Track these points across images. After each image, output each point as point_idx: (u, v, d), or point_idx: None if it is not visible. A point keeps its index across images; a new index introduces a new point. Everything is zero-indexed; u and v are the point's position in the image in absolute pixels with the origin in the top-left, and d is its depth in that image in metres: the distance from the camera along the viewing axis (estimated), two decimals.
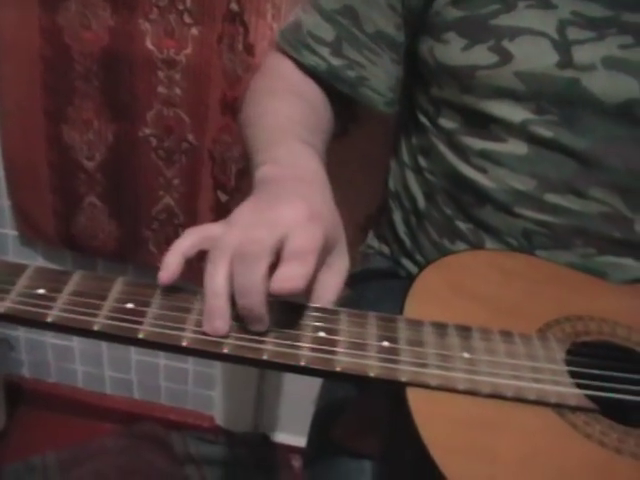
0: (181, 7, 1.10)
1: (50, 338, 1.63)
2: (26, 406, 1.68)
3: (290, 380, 1.56)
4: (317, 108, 0.80)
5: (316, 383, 1.35)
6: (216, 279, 0.52)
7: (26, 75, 1.19)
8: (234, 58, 1.08)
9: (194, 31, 1.11)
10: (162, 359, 1.61)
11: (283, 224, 0.53)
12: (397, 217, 0.92)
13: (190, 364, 1.61)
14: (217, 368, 1.58)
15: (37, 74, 1.18)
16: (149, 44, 1.13)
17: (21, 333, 1.64)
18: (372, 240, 1.01)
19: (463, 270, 0.69)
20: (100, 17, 1.12)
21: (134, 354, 1.61)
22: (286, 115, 0.74)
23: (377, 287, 0.92)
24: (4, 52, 1.17)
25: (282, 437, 1.67)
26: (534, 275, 0.70)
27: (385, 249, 0.96)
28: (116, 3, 1.11)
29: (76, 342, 1.63)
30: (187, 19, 1.11)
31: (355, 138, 1.13)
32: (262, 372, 1.54)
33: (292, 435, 1.63)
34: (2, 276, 0.56)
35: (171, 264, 0.55)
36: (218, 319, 0.52)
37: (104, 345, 1.61)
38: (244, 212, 0.56)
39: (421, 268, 0.67)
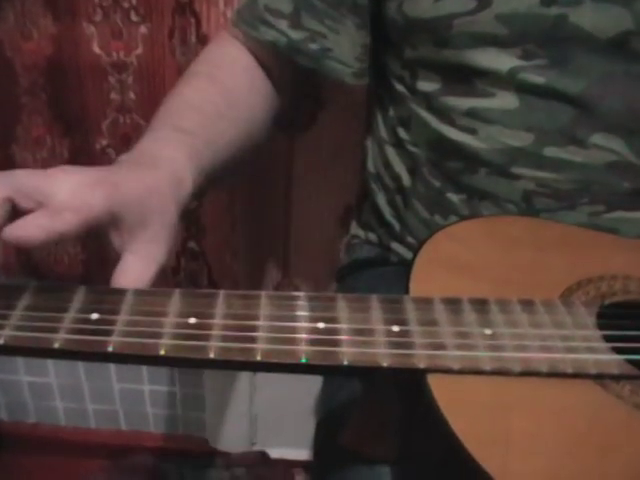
0: (126, 5, 1.03)
1: (25, 376, 1.56)
2: (6, 451, 1.60)
3: (283, 389, 1.50)
4: (232, 93, 0.75)
5: (312, 390, 1.30)
6: None
7: None
8: (188, 52, 1.02)
9: (143, 29, 1.04)
10: (147, 385, 1.54)
11: (56, 180, 0.51)
12: (381, 200, 0.86)
13: (177, 387, 1.54)
14: (206, 388, 1.52)
15: None
16: (96, 48, 1.06)
17: None
18: (356, 229, 0.95)
19: (464, 243, 0.63)
20: (41, 25, 1.05)
21: (116, 383, 1.54)
22: (185, 99, 0.72)
23: (367, 276, 0.86)
24: None
25: (281, 452, 1.61)
26: (541, 239, 0.65)
27: (372, 236, 0.90)
28: (57, 9, 1.04)
29: (54, 377, 1.55)
30: (134, 17, 1.04)
31: (324, 126, 1.08)
32: (253, 384, 1.48)
33: (291, 449, 1.57)
34: None
35: None
36: None
37: (83, 377, 1.54)
38: None
39: (419, 247, 0.60)
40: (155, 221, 0.55)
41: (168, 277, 1.22)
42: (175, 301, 0.50)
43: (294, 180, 1.11)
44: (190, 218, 1.16)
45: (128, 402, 1.58)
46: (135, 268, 0.54)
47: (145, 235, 0.54)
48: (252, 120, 0.77)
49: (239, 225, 1.15)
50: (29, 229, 0.47)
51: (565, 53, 0.65)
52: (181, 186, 0.60)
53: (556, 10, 0.63)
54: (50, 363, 1.53)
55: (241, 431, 1.57)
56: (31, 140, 1.15)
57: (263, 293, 0.51)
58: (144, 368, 1.50)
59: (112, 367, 1.51)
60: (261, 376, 1.44)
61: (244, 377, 1.44)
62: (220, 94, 0.74)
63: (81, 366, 1.52)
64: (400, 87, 0.78)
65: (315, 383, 1.36)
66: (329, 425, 0.74)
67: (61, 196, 0.50)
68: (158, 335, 0.47)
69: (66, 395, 1.59)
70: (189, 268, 1.20)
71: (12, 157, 1.17)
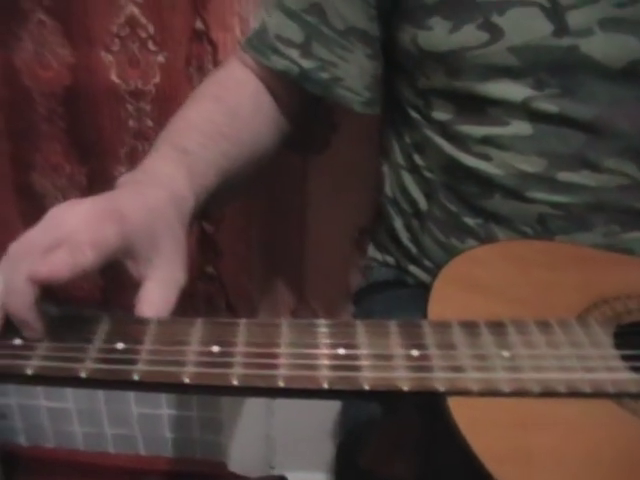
0: (144, 34, 1.05)
1: (44, 402, 1.56)
2: (25, 475, 1.60)
3: (301, 412, 1.50)
4: (236, 115, 0.76)
5: (329, 412, 1.30)
6: None
7: None
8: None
9: (160, 58, 1.06)
10: (165, 409, 1.54)
11: (65, 224, 0.52)
12: (398, 224, 0.87)
13: (195, 411, 1.53)
14: (223, 411, 1.52)
15: None
16: (114, 77, 1.08)
17: (13, 400, 1.56)
18: (373, 252, 0.95)
19: (481, 266, 0.63)
20: (59, 54, 1.07)
21: (135, 407, 1.54)
22: (187, 120, 0.73)
23: (384, 299, 0.87)
24: None
25: (300, 476, 1.60)
26: (556, 261, 0.65)
27: (389, 259, 0.91)
28: (74, 38, 1.06)
29: (72, 402, 1.56)
30: (151, 46, 1.05)
31: (338, 149, 1.08)
32: (270, 408, 1.48)
33: (310, 472, 1.56)
34: None
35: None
36: None
37: (102, 401, 1.54)
38: None
39: (436, 271, 0.61)
40: (166, 243, 0.56)
41: (185, 301, 1.22)
42: (198, 330, 0.51)
43: (309, 203, 1.12)
44: (207, 242, 1.16)
45: (146, 426, 1.57)
46: (158, 294, 0.54)
47: (160, 259, 0.55)
48: (257, 142, 0.78)
49: (255, 248, 1.16)
50: (55, 267, 0.48)
51: (576, 81, 0.66)
52: (182, 204, 0.60)
53: (568, 41, 0.64)
54: (69, 389, 1.54)
55: (260, 455, 1.56)
56: (49, 167, 1.17)
57: (284, 321, 0.51)
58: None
59: (131, 392, 1.51)
60: (279, 399, 1.44)
61: (262, 400, 1.44)
62: (223, 115, 0.74)
63: (99, 391, 1.53)
64: (415, 114, 0.78)
65: (333, 406, 1.36)
66: (349, 447, 0.75)
67: (77, 232, 0.50)
68: (182, 363, 0.47)
69: (84, 420, 1.59)
70: (206, 291, 1.21)
71: (31, 184, 1.18)
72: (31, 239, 0.51)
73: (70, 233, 0.50)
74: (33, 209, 1.21)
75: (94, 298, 1.30)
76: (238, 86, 0.79)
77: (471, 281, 0.60)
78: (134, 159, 1.15)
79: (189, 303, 1.22)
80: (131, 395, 1.51)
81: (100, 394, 1.52)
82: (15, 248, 0.50)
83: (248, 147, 0.76)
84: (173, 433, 1.58)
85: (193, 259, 1.18)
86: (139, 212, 0.55)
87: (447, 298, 0.58)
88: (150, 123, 1.11)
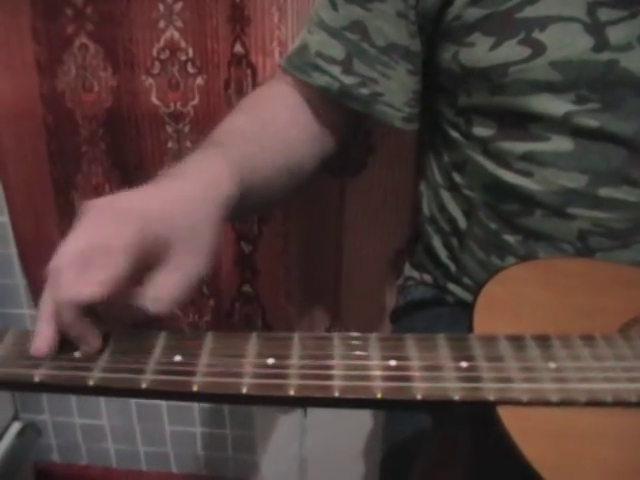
0: (183, 58, 1.07)
1: (78, 419, 1.58)
2: None
3: (334, 431, 1.50)
4: (269, 124, 0.77)
5: (362, 431, 1.31)
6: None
7: (30, 145, 1.15)
8: None
9: (199, 80, 1.08)
10: (198, 427, 1.55)
11: (88, 233, 0.53)
12: (436, 242, 0.88)
13: (228, 429, 1.54)
14: (256, 430, 1.52)
15: (41, 143, 1.15)
16: (154, 99, 1.10)
17: (47, 417, 1.58)
18: (410, 271, 0.96)
19: (523, 282, 0.64)
20: (101, 78, 1.10)
21: (168, 425, 1.55)
22: (222, 127, 0.73)
23: (424, 317, 0.87)
24: (5, 124, 1.13)
25: None
26: (597, 277, 0.66)
27: (427, 278, 0.92)
28: (117, 61, 1.08)
29: (106, 420, 1.57)
30: (191, 69, 1.08)
31: (375, 171, 1.09)
32: (303, 427, 1.48)
33: None
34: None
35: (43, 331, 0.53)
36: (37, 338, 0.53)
37: (135, 419, 1.55)
38: None
39: (478, 290, 0.62)
40: (186, 231, 0.55)
41: (222, 320, 1.24)
42: (253, 344, 0.52)
43: (345, 224, 1.13)
44: (245, 262, 1.18)
45: (179, 444, 1.58)
46: (169, 280, 0.54)
47: (178, 246, 0.55)
48: (292, 152, 0.78)
49: (292, 268, 1.17)
50: (94, 287, 0.49)
51: (617, 96, 0.67)
52: (219, 189, 0.60)
53: (607, 56, 0.65)
54: (103, 405, 1.55)
55: (292, 473, 1.56)
56: (90, 188, 1.19)
57: (335, 335, 0.53)
58: (196, 410, 1.52)
59: (164, 409, 1.52)
60: (311, 418, 1.45)
61: (295, 419, 1.45)
62: (255, 124, 0.75)
63: (133, 408, 1.54)
64: (454, 133, 0.79)
65: (365, 424, 1.37)
66: (396, 460, 0.75)
67: (105, 239, 0.51)
68: (239, 375, 0.49)
69: (118, 437, 1.60)
70: (244, 311, 1.22)
71: (72, 204, 1.21)
72: (66, 254, 0.52)
73: (98, 242, 0.51)
74: (72, 228, 1.23)
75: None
76: (274, 99, 0.80)
77: (511, 302, 0.61)
78: None
79: (226, 322, 1.24)
80: (164, 413, 1.52)
81: (134, 411, 1.54)
82: (54, 266, 0.51)
83: (282, 156, 0.76)
84: (206, 451, 1.59)
85: (231, 279, 1.20)
86: (156, 203, 0.56)
87: (489, 319, 0.59)
88: (189, 144, 1.13)
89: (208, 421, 1.53)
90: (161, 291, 0.53)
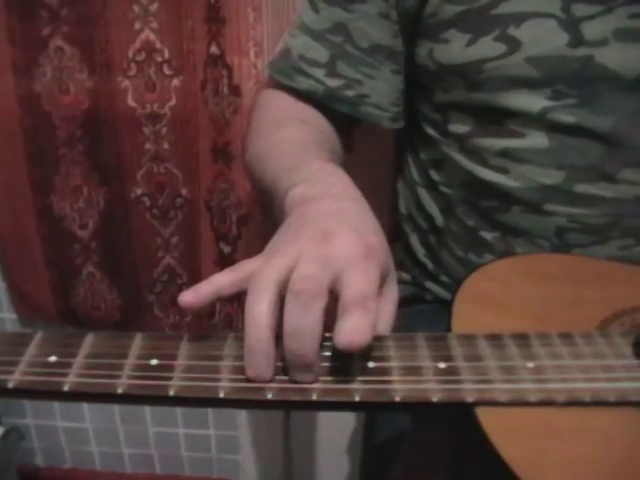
0: (159, 59, 1.07)
1: (61, 422, 1.58)
2: None
3: (317, 430, 1.51)
4: (324, 131, 0.77)
5: (345, 429, 1.31)
6: (259, 308, 0.46)
7: (8, 148, 1.15)
8: (221, 102, 1.06)
9: (176, 82, 1.08)
10: (181, 428, 1.55)
11: (338, 261, 0.47)
12: (414, 240, 0.88)
13: (211, 429, 1.54)
14: (240, 430, 1.52)
15: (19, 146, 1.14)
16: (131, 101, 1.10)
17: (30, 421, 1.58)
18: None
19: (501, 279, 0.64)
20: (78, 80, 1.09)
21: (151, 426, 1.55)
22: (298, 140, 0.70)
23: (403, 315, 0.86)
24: None
25: None
26: (575, 274, 0.66)
27: (405, 276, 0.92)
28: (93, 63, 1.08)
29: (89, 422, 1.57)
30: (167, 70, 1.08)
31: (353, 169, 1.08)
32: (287, 426, 1.48)
33: None
34: (7, 347, 0.52)
35: (203, 289, 0.49)
36: (260, 356, 0.46)
37: (119, 421, 1.55)
38: (284, 240, 0.51)
39: (456, 287, 0.62)
40: (391, 262, 0.53)
41: (204, 321, 1.24)
42: (230, 345, 0.51)
43: None
44: (224, 263, 1.18)
45: (163, 445, 1.58)
46: (388, 310, 0.52)
47: (388, 277, 0.52)
48: (341, 154, 0.78)
49: None
50: (365, 334, 0.45)
51: (593, 92, 0.67)
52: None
53: (583, 51, 0.65)
54: (86, 409, 1.54)
55: (276, 473, 1.57)
56: (69, 190, 1.19)
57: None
58: (178, 411, 1.51)
59: (147, 411, 1.52)
60: (295, 417, 1.45)
61: (278, 418, 1.45)
62: (319, 132, 0.75)
63: (116, 411, 1.54)
64: (431, 130, 0.80)
65: (349, 422, 1.38)
66: (377, 460, 0.75)
67: (354, 285, 0.47)
68: (216, 379, 0.48)
69: (101, 440, 1.60)
70: (224, 311, 1.22)
71: (50, 206, 1.21)
72: (315, 276, 0.46)
73: (342, 274, 0.47)
74: (52, 230, 1.23)
75: (112, 318, 1.32)
76: (303, 107, 0.78)
77: (490, 298, 0.61)
78: (150, 181, 1.17)
79: (208, 323, 1.23)
80: (147, 414, 1.53)
81: (117, 414, 1.54)
82: (302, 285, 0.45)
83: (342, 159, 0.76)
84: (189, 452, 1.59)
85: None
86: (378, 237, 0.52)
87: (468, 315, 0.59)
88: (166, 145, 1.13)
89: (191, 422, 1.53)
90: (382, 323, 0.51)
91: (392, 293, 0.52)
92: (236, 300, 1.20)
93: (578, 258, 0.70)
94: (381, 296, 0.50)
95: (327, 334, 0.49)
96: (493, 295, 0.61)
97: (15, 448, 1.56)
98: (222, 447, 1.57)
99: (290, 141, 0.70)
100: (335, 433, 1.32)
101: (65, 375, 0.49)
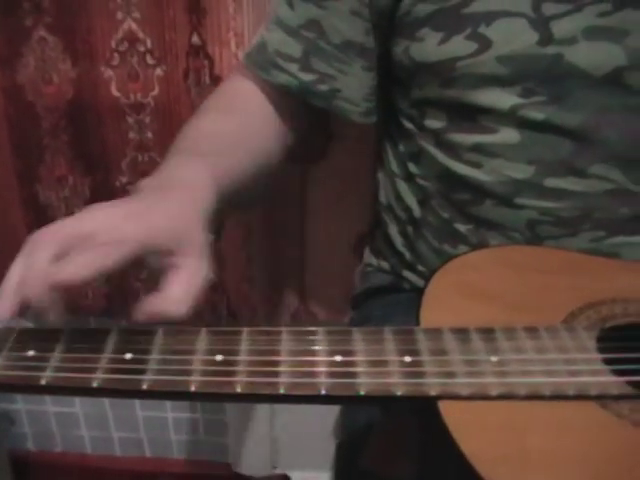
0: (142, 49, 1.07)
1: (51, 407, 1.58)
2: None
3: (303, 413, 1.52)
4: (247, 126, 0.78)
5: (331, 412, 1.32)
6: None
7: None
8: (202, 92, 1.05)
9: (158, 71, 1.08)
10: (170, 412, 1.56)
11: (91, 221, 0.53)
12: (392, 230, 0.89)
13: (199, 413, 1.56)
14: (228, 414, 1.54)
15: (3, 136, 1.14)
16: (114, 91, 1.10)
17: (21, 405, 1.58)
18: (369, 257, 0.98)
19: (473, 271, 0.66)
20: (61, 70, 1.09)
21: (140, 410, 1.56)
22: (201, 129, 0.75)
23: (382, 304, 0.89)
24: None
25: (303, 475, 1.62)
26: (545, 265, 0.67)
27: (384, 265, 0.93)
28: (75, 54, 1.08)
29: (79, 407, 1.58)
30: (150, 60, 1.08)
31: (336, 158, 1.10)
32: (273, 410, 1.50)
33: (313, 471, 1.58)
34: None
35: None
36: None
37: (108, 406, 1.56)
38: None
39: (429, 276, 0.63)
40: (189, 241, 0.55)
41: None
42: (202, 339, 0.53)
43: (307, 211, 1.14)
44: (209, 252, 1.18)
45: (152, 429, 1.59)
46: (182, 290, 0.54)
47: (183, 258, 0.54)
48: (267, 152, 0.80)
49: (256, 256, 1.18)
50: (75, 269, 0.49)
51: (562, 89, 0.68)
52: (203, 204, 0.60)
53: (552, 50, 0.66)
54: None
55: (263, 455, 1.58)
56: (54, 179, 1.19)
57: (284, 329, 0.54)
58: None
59: None
60: None
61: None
62: (236, 125, 0.77)
63: None
64: (409, 124, 0.81)
65: (334, 407, 1.39)
66: (349, 448, 0.76)
67: (102, 231, 0.52)
68: (188, 372, 0.50)
69: (91, 424, 1.61)
70: (209, 299, 1.23)
71: (36, 196, 1.20)
72: (57, 228, 0.52)
73: (95, 230, 0.52)
74: (38, 220, 1.23)
75: (99, 306, 1.32)
76: (246, 98, 0.82)
77: (463, 286, 0.62)
78: (135, 170, 1.17)
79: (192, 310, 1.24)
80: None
81: (106, 399, 1.54)
82: (39, 235, 0.52)
83: (259, 158, 0.78)
84: (178, 435, 1.60)
85: None
86: (161, 212, 0.56)
87: (440, 303, 0.60)
88: (150, 135, 1.13)
89: (179, 406, 1.53)
90: (171, 293, 0.53)
91: (188, 267, 0.54)
92: (220, 288, 1.21)
93: (550, 250, 0.71)
94: (170, 279, 0.53)
95: (302, 328, 0.51)
96: (465, 284, 0.63)
97: (5, 433, 1.57)
98: (210, 430, 1.58)
99: (193, 130, 0.76)
100: (320, 416, 1.33)
101: (43, 369, 0.51)
